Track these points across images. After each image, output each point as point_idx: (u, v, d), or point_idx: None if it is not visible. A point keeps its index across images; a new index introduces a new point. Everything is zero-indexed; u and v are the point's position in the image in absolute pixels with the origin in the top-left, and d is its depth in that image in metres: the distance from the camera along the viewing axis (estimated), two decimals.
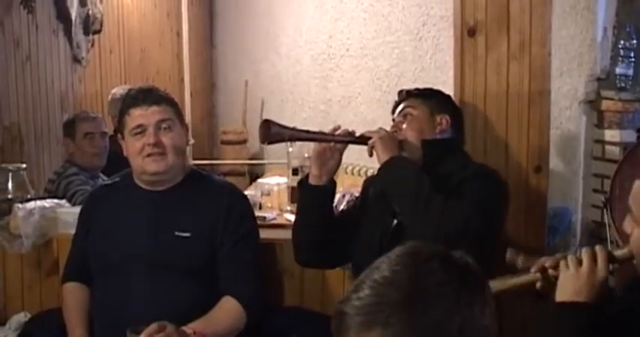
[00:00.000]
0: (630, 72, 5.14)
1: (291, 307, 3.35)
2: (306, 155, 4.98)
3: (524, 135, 3.14)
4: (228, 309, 2.97)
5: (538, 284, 2.24)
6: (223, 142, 7.61)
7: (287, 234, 3.26)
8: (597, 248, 2.17)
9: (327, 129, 2.99)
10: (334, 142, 2.99)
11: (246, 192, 4.96)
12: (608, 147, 4.91)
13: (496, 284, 2.22)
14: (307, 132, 3.05)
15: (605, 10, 5.16)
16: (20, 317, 3.48)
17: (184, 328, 2.73)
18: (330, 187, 3.08)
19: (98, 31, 5.58)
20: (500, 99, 3.13)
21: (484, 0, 3.10)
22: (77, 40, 5.26)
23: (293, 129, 3.06)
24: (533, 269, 2.26)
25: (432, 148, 3.02)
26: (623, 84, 5.10)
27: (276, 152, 6.25)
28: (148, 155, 2.98)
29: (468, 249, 2.67)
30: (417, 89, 3.19)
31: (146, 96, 3.02)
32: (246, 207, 3.21)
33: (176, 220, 3.01)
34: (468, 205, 2.80)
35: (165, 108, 3.02)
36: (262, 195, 4.78)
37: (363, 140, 3.02)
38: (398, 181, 2.91)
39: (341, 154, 3.04)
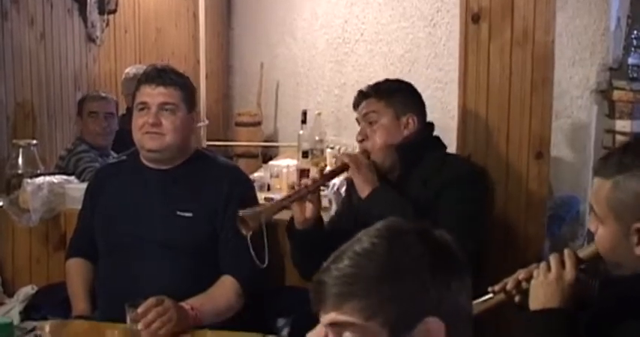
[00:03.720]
0: None
1: (293, 287, 3.37)
2: (316, 138, 5.02)
3: (526, 122, 3.14)
4: (226, 287, 3.01)
5: (516, 299, 2.26)
6: (237, 124, 7.63)
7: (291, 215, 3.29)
8: (565, 251, 2.19)
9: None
10: (311, 193, 3.02)
11: (256, 174, 5.01)
12: (618, 137, 4.92)
13: (473, 307, 2.26)
14: (282, 200, 3.04)
15: (620, 0, 5.16)
16: (28, 290, 3.52)
17: (182, 304, 2.77)
18: (318, 226, 3.09)
19: (113, 11, 5.60)
20: (502, 86, 3.14)
21: None
22: (92, 20, 5.29)
23: (267, 207, 3.05)
24: (508, 286, 2.28)
25: (405, 151, 3.04)
26: (635, 75, 5.10)
27: (291, 134, 6.29)
28: (146, 132, 3.03)
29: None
30: (376, 86, 3.17)
31: (158, 76, 3.05)
32: (248, 189, 3.24)
33: (178, 200, 3.05)
34: (450, 223, 2.79)
35: (172, 92, 3.04)
36: (272, 176, 4.81)
37: (336, 174, 3.08)
38: (383, 215, 2.92)
39: (319, 197, 3.06)
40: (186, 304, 2.79)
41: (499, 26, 3.13)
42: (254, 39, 7.97)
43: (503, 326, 2.42)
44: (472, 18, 3.15)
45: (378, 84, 3.18)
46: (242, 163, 6.88)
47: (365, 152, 3.08)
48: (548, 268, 2.16)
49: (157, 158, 3.08)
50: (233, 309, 3.00)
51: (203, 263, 3.03)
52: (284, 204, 3.01)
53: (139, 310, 2.62)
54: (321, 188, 3.17)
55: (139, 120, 3.03)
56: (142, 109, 3.03)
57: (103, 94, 4.65)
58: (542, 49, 3.13)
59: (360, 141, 3.11)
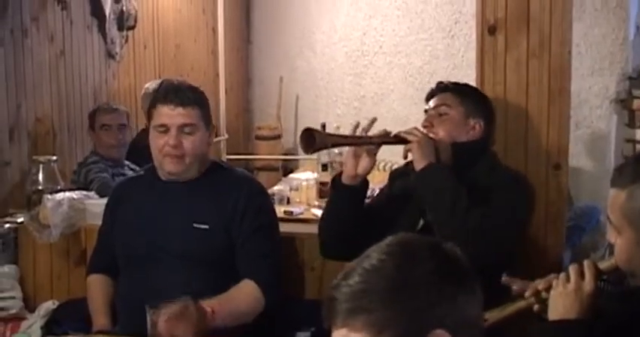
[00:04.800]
0: None
1: (312, 300, 3.38)
2: (336, 151, 5.02)
3: (544, 133, 3.13)
4: (246, 292, 3.00)
5: (535, 307, 2.26)
6: (258, 137, 7.64)
7: (311, 229, 3.29)
8: (585, 262, 2.18)
9: (361, 125, 3.00)
10: (372, 144, 3.01)
11: (275, 188, 5.02)
12: (639, 147, 4.91)
13: (492, 315, 2.26)
14: (347, 137, 3.06)
15: (638, 9, 5.15)
16: (49, 305, 3.53)
17: (204, 305, 2.78)
18: (363, 187, 3.08)
19: (132, 27, 5.63)
20: (519, 97, 3.13)
21: None
22: (111, 36, 5.32)
23: (334, 135, 3.07)
24: (527, 294, 2.27)
25: (462, 152, 3.02)
26: None
27: None
28: (167, 155, 3.03)
29: (497, 257, 2.72)
30: (456, 84, 3.17)
31: (176, 95, 3.04)
32: (264, 200, 3.23)
33: (195, 212, 3.05)
34: (499, 219, 2.81)
35: (190, 112, 3.03)
36: (291, 189, 4.82)
37: (399, 141, 3.03)
38: (435, 191, 2.91)
39: (375, 155, 3.05)
40: (207, 306, 2.80)
41: (515, 38, 3.12)
42: (273, 53, 7.99)
43: (521, 335, 2.40)
44: (488, 30, 3.15)
45: (457, 83, 3.17)
46: (262, 176, 6.90)
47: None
48: (568, 279, 2.15)
49: (176, 178, 3.09)
50: (252, 313, 2.99)
51: (221, 274, 3.02)
52: (349, 141, 3.00)
53: (163, 316, 2.64)
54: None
55: (159, 142, 3.03)
56: (161, 131, 3.03)
57: (115, 106, 4.66)
58: (559, 59, 3.12)
59: (424, 127, 3.09)
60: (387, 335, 1.49)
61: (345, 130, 5.30)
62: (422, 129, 3.01)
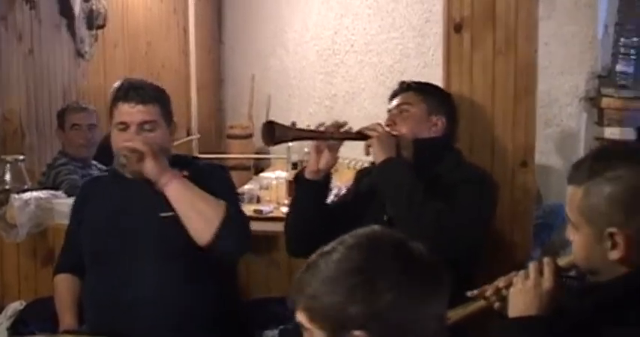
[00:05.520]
0: (631, 69, 5.16)
1: (280, 298, 3.37)
2: (306, 150, 5.01)
3: (511, 131, 3.15)
4: (216, 202, 2.97)
5: (496, 305, 2.27)
6: (230, 136, 7.63)
7: (280, 227, 3.27)
8: (544, 259, 2.20)
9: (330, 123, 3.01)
10: (334, 139, 3.02)
11: (245, 187, 5.02)
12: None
13: (454, 313, 2.27)
14: (308, 131, 3.07)
15: (607, 8, 5.17)
16: (16, 305, 3.52)
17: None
18: (326, 182, 3.10)
19: (102, 26, 5.60)
20: (486, 95, 3.14)
21: None
22: (80, 35, 5.29)
23: (295, 129, 3.09)
24: (488, 292, 2.29)
25: (424, 148, 3.04)
26: (623, 82, 5.12)
27: (281, 147, 6.28)
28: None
29: (459, 255, 2.73)
30: (418, 83, 3.19)
31: (135, 93, 3.04)
32: (228, 185, 3.22)
33: (160, 202, 3.03)
34: (461, 215, 2.83)
35: (150, 109, 3.03)
36: (261, 188, 4.82)
37: (361, 137, 3.05)
38: (393, 185, 2.94)
39: (337, 150, 3.06)
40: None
41: (481, 36, 3.13)
42: (245, 52, 7.98)
43: (483, 333, 2.41)
44: (454, 28, 3.16)
45: (419, 82, 3.20)
46: (234, 176, 6.86)
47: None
48: (527, 276, 2.16)
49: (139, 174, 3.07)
50: (203, 218, 2.90)
51: (193, 264, 3.00)
52: (311, 135, 3.02)
53: None
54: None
55: (119, 140, 3.02)
56: (121, 129, 3.02)
57: (84, 106, 4.62)
58: (526, 58, 3.14)
59: (387, 126, 3.11)
60: (316, 325, 1.59)
61: None
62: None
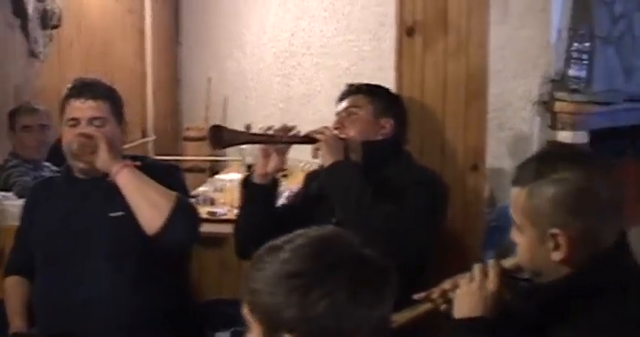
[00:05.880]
0: (583, 74, 5.22)
1: (231, 299, 3.37)
2: None
3: (462, 134, 3.17)
4: (167, 190, 2.96)
5: (442, 307, 2.29)
6: (186, 138, 7.60)
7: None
8: (489, 262, 2.22)
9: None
10: (282, 143, 3.03)
11: (200, 189, 5.01)
12: None
13: (401, 316, 2.28)
14: (256, 135, 3.08)
15: (561, 13, 5.23)
16: None
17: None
18: (274, 185, 3.11)
19: (56, 26, 5.56)
20: (437, 99, 3.17)
21: (422, 0, 3.13)
22: (34, 35, 5.24)
23: (242, 132, 3.10)
24: (434, 295, 2.31)
25: (373, 151, 3.06)
26: (576, 86, 5.18)
27: (236, 149, 6.28)
28: None
29: (409, 259, 2.74)
30: (366, 85, 3.21)
31: (86, 89, 3.04)
32: (178, 180, 3.22)
33: (110, 202, 3.02)
34: (410, 218, 2.84)
35: (101, 105, 3.03)
36: (215, 191, 4.82)
37: (309, 140, 3.05)
38: (341, 188, 2.96)
39: (284, 154, 3.07)
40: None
41: (433, 40, 3.16)
42: (202, 53, 7.95)
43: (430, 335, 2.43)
44: (407, 31, 3.18)
45: (367, 84, 3.21)
46: (190, 178, 6.84)
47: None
48: (472, 278, 2.18)
49: (90, 173, 3.06)
50: (154, 207, 2.90)
51: (145, 263, 2.99)
52: (258, 139, 3.03)
53: None
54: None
55: (69, 136, 3.02)
56: (72, 125, 3.01)
57: (35, 106, 4.58)
58: (477, 61, 3.16)
59: (336, 129, 3.12)
60: (255, 324, 1.61)
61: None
62: (333, 129, 3.04)
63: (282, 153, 3.05)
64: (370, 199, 2.86)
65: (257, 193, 3.06)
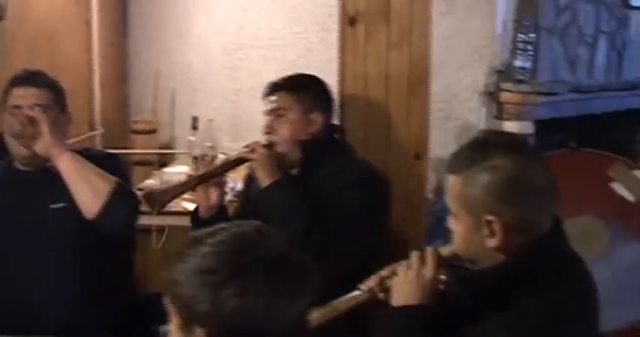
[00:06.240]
0: (529, 65, 5.28)
1: None
2: (208, 144, 5.00)
3: (405, 124, 3.19)
4: (109, 177, 2.96)
5: (380, 296, 2.30)
6: (134, 132, 7.54)
7: (179, 221, 3.29)
8: (427, 249, 2.24)
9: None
10: (215, 176, 3.03)
11: (147, 182, 4.98)
12: None
13: (335, 307, 2.29)
14: (186, 183, 3.08)
15: (506, 4, 5.28)
16: None
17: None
18: (222, 213, 3.10)
19: (0, 18, 5.50)
20: (380, 89, 3.18)
21: None
22: None
23: (174, 187, 3.09)
24: (372, 283, 2.32)
25: (310, 149, 3.05)
26: (521, 77, 5.23)
27: (186, 141, 6.27)
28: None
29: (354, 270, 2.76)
30: (289, 80, 3.19)
31: (30, 78, 3.05)
32: (120, 166, 3.22)
33: (50, 194, 3.01)
34: (349, 233, 2.84)
35: (43, 93, 3.03)
36: (162, 183, 4.80)
37: (241, 162, 3.07)
38: (275, 211, 2.96)
39: (223, 185, 3.07)
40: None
41: (376, 30, 3.17)
42: (150, 46, 7.89)
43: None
44: (349, 22, 3.19)
45: (291, 78, 3.20)
46: (139, 171, 6.81)
47: (270, 144, 3.10)
48: (410, 266, 2.19)
49: (31, 162, 3.04)
50: (94, 190, 2.94)
51: (88, 256, 2.98)
52: (189, 185, 3.04)
53: None
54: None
55: (11, 124, 3.00)
56: (14, 113, 3.00)
57: None
58: (420, 52, 3.18)
59: (266, 133, 3.11)
60: (175, 320, 1.67)
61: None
62: (263, 138, 3.04)
63: (221, 185, 3.05)
64: (305, 222, 2.86)
65: (207, 227, 3.05)
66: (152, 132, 7.50)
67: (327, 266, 2.70)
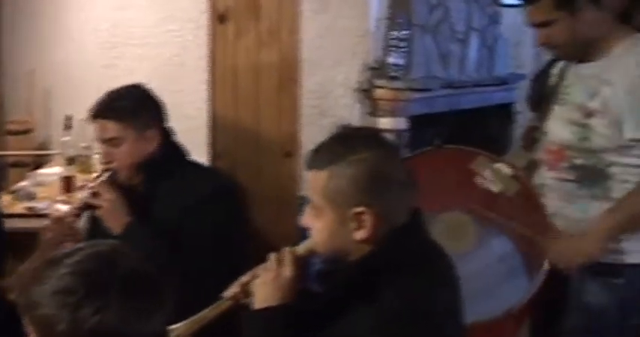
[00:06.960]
0: (402, 61, 5.36)
1: None
2: (82, 144, 4.94)
3: (276, 121, 3.20)
4: None
5: (243, 301, 2.33)
6: (8, 132, 7.39)
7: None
8: (284, 250, 2.27)
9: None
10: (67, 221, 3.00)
11: (20, 184, 4.89)
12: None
13: (200, 318, 2.31)
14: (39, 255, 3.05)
15: (379, 2, 5.35)
16: None
17: None
18: None
19: None
20: (250, 86, 3.19)
21: None
22: None
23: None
24: (234, 289, 2.34)
25: (152, 167, 3.02)
26: (395, 74, 5.31)
27: (59, 142, 6.17)
28: None
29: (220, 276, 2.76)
30: (112, 106, 3.14)
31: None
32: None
33: None
34: (202, 253, 2.84)
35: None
36: (36, 185, 4.73)
37: (88, 207, 3.05)
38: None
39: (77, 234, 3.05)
40: None
41: (245, 27, 3.17)
42: (25, 44, 7.74)
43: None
44: (219, 18, 3.19)
45: (113, 103, 3.13)
46: (14, 173, 6.67)
47: (112, 175, 3.05)
48: (268, 268, 2.22)
49: None
50: None
51: None
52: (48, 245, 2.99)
53: None
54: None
55: None
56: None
57: None
58: (290, 49, 3.21)
59: (106, 163, 3.07)
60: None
61: None
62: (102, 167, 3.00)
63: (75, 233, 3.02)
64: (165, 257, 2.85)
65: None
66: (27, 132, 7.35)
67: (194, 282, 2.72)
